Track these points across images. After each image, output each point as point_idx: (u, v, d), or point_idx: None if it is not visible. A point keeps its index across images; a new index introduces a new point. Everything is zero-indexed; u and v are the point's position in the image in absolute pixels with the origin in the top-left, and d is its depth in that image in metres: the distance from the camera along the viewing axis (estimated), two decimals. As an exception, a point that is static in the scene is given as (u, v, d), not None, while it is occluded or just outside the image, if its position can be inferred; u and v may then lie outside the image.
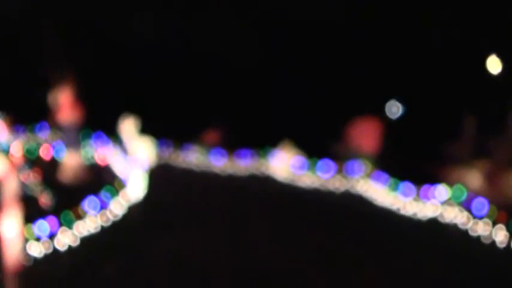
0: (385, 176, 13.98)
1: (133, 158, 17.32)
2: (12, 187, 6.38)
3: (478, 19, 15.57)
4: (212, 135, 20.36)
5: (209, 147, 19.79)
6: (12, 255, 6.42)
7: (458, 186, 11.77)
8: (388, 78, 17.90)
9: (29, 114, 18.21)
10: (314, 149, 16.75)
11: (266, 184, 16.97)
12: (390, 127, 16.98)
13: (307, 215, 12.59)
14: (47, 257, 7.57)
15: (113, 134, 18.57)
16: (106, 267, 7.87)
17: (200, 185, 16.12)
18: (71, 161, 15.88)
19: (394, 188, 13.19)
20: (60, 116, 16.05)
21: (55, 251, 7.74)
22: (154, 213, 10.86)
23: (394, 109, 18.96)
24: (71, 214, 8.26)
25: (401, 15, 18.21)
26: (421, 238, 10.69)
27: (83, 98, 16.07)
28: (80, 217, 8.41)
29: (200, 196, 14.13)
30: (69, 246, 8.00)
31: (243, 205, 13.25)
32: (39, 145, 16.90)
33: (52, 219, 7.83)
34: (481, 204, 10.66)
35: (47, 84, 17.97)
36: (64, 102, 16.02)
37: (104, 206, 9.21)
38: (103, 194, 9.50)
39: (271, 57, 20.36)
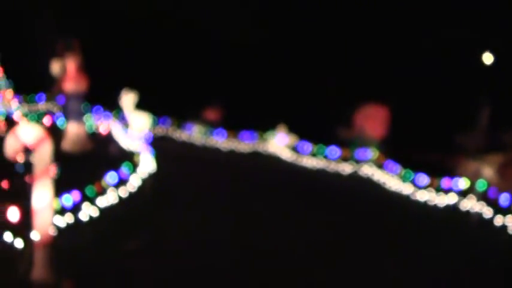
0: (396, 164, 13.88)
1: (134, 131, 17.16)
2: (45, 156, 6.13)
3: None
4: (213, 114, 20.15)
5: (210, 125, 19.62)
6: (43, 226, 6.21)
7: (474, 176, 11.71)
8: (400, 65, 17.78)
9: (28, 84, 17.85)
10: (321, 135, 16.60)
11: (269, 161, 16.85)
12: (404, 116, 16.86)
13: (312, 194, 12.47)
14: (70, 228, 7.38)
15: (112, 108, 18.40)
16: (129, 241, 7.71)
17: (203, 158, 16.02)
18: (74, 130, 15.68)
19: (406, 177, 13.09)
20: (64, 85, 15.82)
21: (78, 222, 7.56)
22: (166, 186, 10.69)
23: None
24: (93, 188, 8.07)
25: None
26: (435, 224, 10.63)
27: (86, 69, 15.87)
28: (102, 191, 8.22)
29: (205, 169, 14.02)
30: (91, 217, 7.81)
31: (247, 180, 13.14)
32: (40, 114, 16.61)
33: (75, 193, 7.62)
34: (498, 194, 10.62)
35: (47, 54, 17.75)
36: (69, 72, 15.78)
37: (122, 180, 9.02)
38: (122, 168, 9.30)
39: (279, 39, 20.19)
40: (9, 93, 12.42)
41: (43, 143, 6.14)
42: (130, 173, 9.40)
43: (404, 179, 13.15)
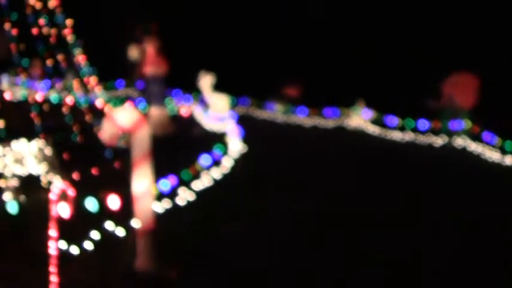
0: (493, 135, 13.23)
1: (214, 112, 17.02)
2: (143, 140, 5.87)
3: None
4: (294, 91, 19.77)
5: (291, 102, 19.28)
6: (144, 214, 5.96)
7: None
8: (489, 29, 16.99)
9: (107, 70, 17.84)
10: (408, 108, 16.04)
11: (355, 136, 16.41)
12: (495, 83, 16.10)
13: (404, 167, 11.98)
14: (168, 213, 7.15)
15: (192, 90, 18.26)
16: (227, 224, 7.43)
17: (287, 136, 15.70)
18: (157, 114, 15.60)
19: (506, 147, 12.45)
20: (144, 69, 15.74)
21: (176, 207, 7.33)
22: (255, 166, 10.40)
23: None
24: (189, 172, 7.82)
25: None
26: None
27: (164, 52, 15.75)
28: (197, 174, 7.98)
29: (290, 147, 13.70)
30: (188, 202, 7.58)
31: (334, 156, 12.76)
32: (121, 100, 16.57)
33: (172, 177, 7.39)
34: None
35: (126, 40, 17.71)
36: (149, 55, 15.68)
37: (216, 162, 8.78)
38: (215, 150, 9.05)
39: (359, 12, 19.64)
40: (92, 80, 12.30)
41: (141, 127, 5.88)
42: (223, 155, 9.14)
43: (503, 149, 12.50)
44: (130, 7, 18.50)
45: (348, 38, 20.31)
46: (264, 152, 11.99)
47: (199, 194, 7.79)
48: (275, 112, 18.94)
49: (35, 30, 11.73)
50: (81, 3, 13.69)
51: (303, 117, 18.32)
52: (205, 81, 17.34)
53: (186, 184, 7.65)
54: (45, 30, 11.84)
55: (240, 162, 9.93)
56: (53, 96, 15.01)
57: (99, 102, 13.16)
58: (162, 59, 15.69)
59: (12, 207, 6.44)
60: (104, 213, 5.99)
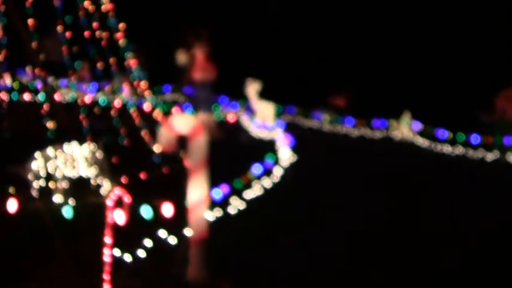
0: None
1: (260, 120, 16.94)
2: (200, 147, 5.75)
3: None
4: (341, 101, 19.56)
5: (338, 112, 19.07)
6: (197, 223, 5.84)
7: None
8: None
9: (155, 75, 17.85)
10: (459, 122, 15.71)
11: (403, 147, 16.14)
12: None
13: (454, 181, 11.69)
14: (220, 222, 7.03)
15: (238, 97, 18.20)
16: (279, 236, 7.28)
17: (334, 145, 15.51)
18: (204, 120, 15.51)
19: None
20: (193, 75, 15.67)
21: (227, 215, 7.20)
22: (305, 175, 10.22)
23: None
24: (241, 181, 7.70)
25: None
26: None
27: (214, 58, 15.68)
28: (248, 183, 7.85)
29: (338, 156, 13.51)
30: (239, 211, 7.45)
31: (382, 168, 12.53)
32: (168, 105, 16.56)
33: (224, 186, 7.27)
34: None
35: (175, 45, 17.69)
36: (198, 61, 15.61)
37: (267, 171, 8.64)
38: (266, 159, 8.92)
39: (410, 23, 19.39)
40: (143, 84, 12.29)
41: (199, 133, 5.76)
42: (274, 164, 9.00)
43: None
44: (181, 12, 18.47)
45: (400, 48, 20.05)
46: (313, 161, 11.81)
47: (250, 203, 7.65)
48: (322, 121, 18.74)
49: (87, 33, 11.77)
50: (133, 7, 13.67)
51: (349, 127, 18.09)
52: (252, 88, 17.28)
53: (238, 193, 7.52)
54: (97, 33, 11.87)
55: (290, 171, 9.76)
56: (101, 99, 15.06)
57: (146, 106, 13.18)
58: (211, 65, 15.62)
59: (68, 212, 6.37)
60: (157, 220, 5.88)
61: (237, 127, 16.68)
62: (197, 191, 5.75)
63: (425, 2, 19.91)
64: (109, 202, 5.04)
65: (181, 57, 18.92)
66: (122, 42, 12.19)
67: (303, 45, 21.16)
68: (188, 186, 5.75)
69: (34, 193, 8.35)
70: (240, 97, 18.11)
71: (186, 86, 16.35)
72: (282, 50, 20.72)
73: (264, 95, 17.36)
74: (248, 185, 7.85)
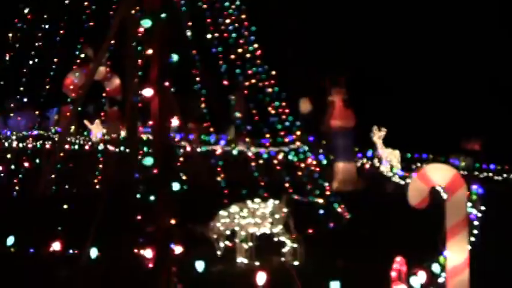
0: None
1: (390, 167, 16.27)
2: (461, 203, 4.97)
3: None
4: (476, 145, 18.60)
5: (474, 157, 18.11)
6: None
7: None
8: None
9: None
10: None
11: None
12: None
13: None
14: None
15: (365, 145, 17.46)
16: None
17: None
18: (345, 168, 14.79)
19: None
20: (331, 122, 15.00)
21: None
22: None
23: None
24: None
25: None
26: None
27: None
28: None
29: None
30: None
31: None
32: (297, 152, 15.94)
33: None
34: None
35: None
36: (337, 108, 14.95)
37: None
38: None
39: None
40: (297, 132, 11.80)
41: (459, 187, 4.98)
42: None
43: None
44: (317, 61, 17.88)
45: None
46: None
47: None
48: (459, 167, 17.76)
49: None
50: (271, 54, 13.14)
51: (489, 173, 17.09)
52: (378, 136, 16.59)
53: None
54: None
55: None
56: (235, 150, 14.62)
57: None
58: (350, 112, 14.93)
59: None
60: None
61: (374, 175, 15.84)
62: (458, 254, 4.95)
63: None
64: (393, 274, 4.30)
65: (305, 106, 18.38)
66: (270, 90, 11.71)
67: (435, 92, 20.32)
68: (447, 248, 4.97)
69: (219, 253, 7.78)
70: (367, 145, 17.42)
71: (324, 133, 15.64)
72: (413, 97, 19.89)
73: (391, 142, 16.67)
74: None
